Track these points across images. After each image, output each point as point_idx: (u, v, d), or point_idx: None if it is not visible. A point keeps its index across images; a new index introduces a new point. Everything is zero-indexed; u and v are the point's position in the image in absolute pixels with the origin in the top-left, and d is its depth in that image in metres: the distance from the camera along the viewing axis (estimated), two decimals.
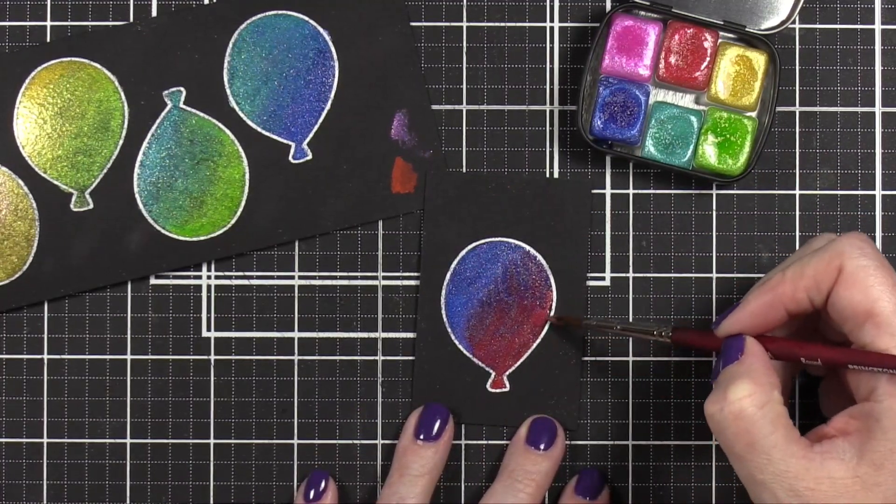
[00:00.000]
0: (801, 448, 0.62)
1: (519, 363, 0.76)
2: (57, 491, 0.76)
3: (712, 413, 0.64)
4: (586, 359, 0.76)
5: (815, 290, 0.64)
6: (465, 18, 0.76)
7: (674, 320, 0.75)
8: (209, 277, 0.76)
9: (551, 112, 0.76)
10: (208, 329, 0.76)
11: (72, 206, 0.76)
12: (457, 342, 0.75)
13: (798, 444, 0.62)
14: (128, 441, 0.76)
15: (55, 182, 0.76)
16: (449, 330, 0.75)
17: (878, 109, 0.76)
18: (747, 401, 0.63)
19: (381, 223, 0.76)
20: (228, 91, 0.76)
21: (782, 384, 0.66)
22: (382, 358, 0.76)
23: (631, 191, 0.76)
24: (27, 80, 0.76)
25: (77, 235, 0.75)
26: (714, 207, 0.76)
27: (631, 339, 0.75)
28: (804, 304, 0.65)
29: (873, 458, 0.61)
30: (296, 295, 0.76)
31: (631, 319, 0.75)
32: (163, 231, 0.76)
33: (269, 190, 0.76)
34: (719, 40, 0.74)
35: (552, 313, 0.75)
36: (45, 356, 0.76)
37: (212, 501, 0.76)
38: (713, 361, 0.70)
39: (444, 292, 0.76)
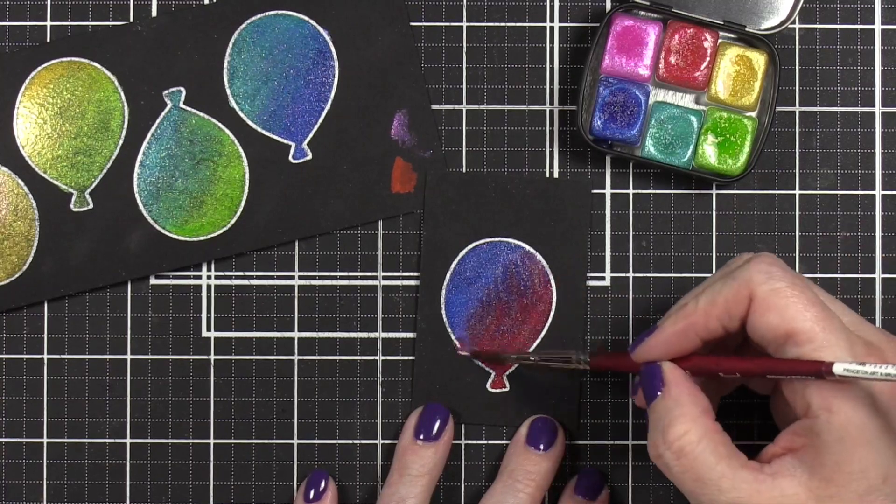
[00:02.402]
0: (750, 472, 0.63)
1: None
2: (57, 491, 0.76)
3: (654, 458, 0.64)
4: None
5: (727, 318, 0.65)
6: (465, 18, 0.76)
7: (590, 343, 0.75)
8: (209, 277, 0.76)
9: (551, 112, 0.76)
10: (208, 329, 0.76)
11: (72, 206, 0.76)
12: (457, 342, 0.75)
13: (746, 468, 0.63)
14: (128, 441, 0.76)
15: (55, 182, 0.76)
16: (449, 330, 0.75)
17: (878, 109, 0.76)
18: (685, 439, 0.63)
19: (381, 223, 0.76)
20: (228, 91, 0.76)
21: (711, 400, 0.66)
22: (382, 358, 0.76)
23: (631, 191, 0.76)
24: (27, 80, 0.76)
25: (77, 235, 0.75)
26: (714, 207, 0.76)
27: (553, 370, 0.75)
28: (717, 332, 0.65)
29: (822, 473, 0.61)
30: (296, 295, 0.76)
31: (544, 352, 0.75)
32: (163, 231, 0.76)
33: (269, 190, 0.76)
34: (719, 40, 0.74)
35: (465, 350, 0.75)
36: (45, 356, 0.76)
37: (212, 501, 0.76)
38: (633, 382, 0.72)
39: (444, 292, 0.76)
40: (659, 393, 0.65)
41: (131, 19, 0.76)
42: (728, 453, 0.63)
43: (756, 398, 0.74)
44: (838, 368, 0.60)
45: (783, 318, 0.63)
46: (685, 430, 0.63)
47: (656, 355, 0.67)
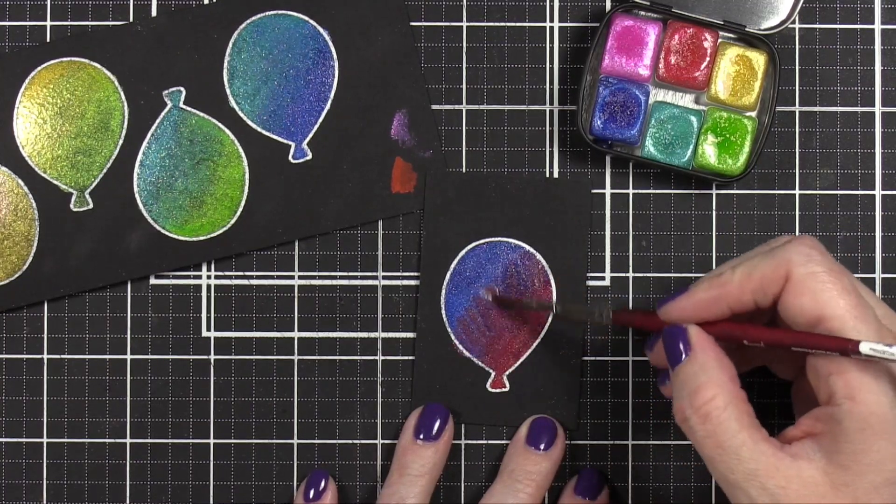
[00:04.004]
0: (770, 447, 0.63)
1: (519, 363, 0.76)
2: (57, 491, 0.76)
3: (680, 421, 0.64)
4: (586, 359, 0.76)
5: (761, 294, 0.65)
6: (465, 18, 0.76)
7: (612, 300, 0.75)
8: (209, 277, 0.76)
9: (551, 112, 0.76)
10: (208, 329, 0.76)
11: (72, 206, 0.76)
12: (457, 342, 0.75)
13: (767, 443, 0.63)
14: (128, 441, 0.76)
15: (55, 182, 0.76)
16: (449, 330, 0.75)
17: (878, 109, 0.76)
18: (712, 404, 0.63)
19: (381, 223, 0.76)
20: (228, 91, 0.76)
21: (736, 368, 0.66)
22: (382, 358, 0.76)
23: (631, 191, 0.76)
24: (27, 80, 0.76)
25: (77, 235, 0.75)
26: (714, 207, 0.76)
27: (574, 321, 0.75)
28: (749, 305, 0.65)
29: (840, 460, 0.62)
30: (296, 295, 0.76)
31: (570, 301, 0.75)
32: (163, 231, 0.76)
33: (269, 190, 0.76)
34: (719, 40, 0.74)
35: (489, 294, 0.75)
36: (45, 356, 0.76)
37: (212, 501, 0.76)
38: (649, 337, 0.71)
39: (444, 292, 0.76)
40: (684, 357, 0.65)
41: (131, 19, 0.76)
42: (751, 424, 0.63)
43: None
44: (864, 348, 0.61)
45: (816, 302, 0.63)
46: (713, 394, 0.63)
47: (683, 318, 0.66)
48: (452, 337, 0.76)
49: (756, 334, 0.65)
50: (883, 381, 0.62)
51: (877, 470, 0.61)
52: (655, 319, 0.68)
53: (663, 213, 0.76)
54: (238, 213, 0.76)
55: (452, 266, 0.76)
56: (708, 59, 0.74)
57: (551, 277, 0.75)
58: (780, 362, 0.71)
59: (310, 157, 0.76)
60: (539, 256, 0.75)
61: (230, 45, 0.76)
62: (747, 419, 0.63)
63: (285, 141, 0.76)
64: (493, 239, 0.76)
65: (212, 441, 0.76)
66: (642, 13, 0.75)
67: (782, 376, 0.72)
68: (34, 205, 0.76)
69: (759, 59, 0.74)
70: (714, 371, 0.64)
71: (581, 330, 0.75)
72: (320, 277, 0.76)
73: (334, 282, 0.76)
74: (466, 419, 0.76)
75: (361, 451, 0.76)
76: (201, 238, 0.76)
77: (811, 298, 0.63)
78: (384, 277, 0.76)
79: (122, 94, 0.76)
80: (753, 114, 0.74)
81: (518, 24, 0.76)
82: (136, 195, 0.76)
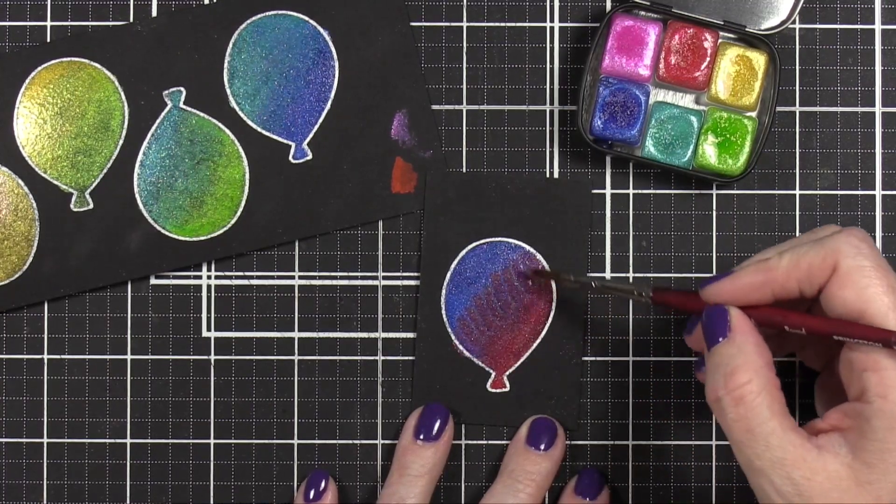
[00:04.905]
0: (799, 437, 0.63)
1: (519, 363, 0.76)
2: (57, 491, 0.76)
3: (712, 401, 0.64)
4: (586, 359, 0.76)
5: (807, 283, 0.64)
6: (465, 18, 0.76)
7: (654, 280, 0.75)
8: (209, 277, 0.76)
9: (551, 112, 0.76)
10: (208, 329, 0.76)
11: (72, 206, 0.76)
12: (457, 342, 0.75)
13: (796, 432, 0.63)
14: (128, 441, 0.76)
15: (55, 182, 0.76)
16: (449, 330, 0.75)
17: (878, 109, 0.76)
18: (746, 388, 0.63)
19: (381, 223, 0.76)
20: (228, 91, 0.76)
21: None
22: (382, 358, 0.76)
23: (631, 191, 0.76)
24: (27, 80, 0.76)
25: (77, 235, 0.75)
26: (714, 207, 0.76)
27: (613, 299, 0.74)
28: (793, 293, 0.65)
29: (865, 457, 0.62)
30: (296, 295, 0.76)
31: (609, 278, 0.75)
32: (163, 231, 0.76)
33: (269, 190, 0.76)
34: (719, 40, 0.74)
35: (529, 271, 0.75)
36: (45, 356, 0.76)
37: (212, 501, 0.76)
38: (688, 320, 0.70)
39: (444, 292, 0.76)
40: (722, 338, 0.65)
41: (131, 19, 0.76)
42: (782, 412, 0.63)
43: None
44: None
45: (860, 296, 0.63)
46: (748, 378, 0.63)
47: (726, 300, 0.66)
48: (452, 337, 0.76)
49: (798, 321, 0.65)
50: None
51: None
52: (697, 300, 0.67)
53: (663, 214, 0.76)
54: (238, 213, 0.76)
55: (452, 266, 0.76)
56: (708, 59, 0.74)
57: None
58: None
59: (310, 157, 0.76)
60: (539, 256, 0.75)
61: (230, 45, 0.76)
62: (779, 407, 0.63)
63: (285, 141, 0.76)
64: (493, 239, 0.76)
65: (212, 441, 0.76)
66: (642, 13, 0.75)
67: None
68: (34, 205, 0.76)
69: (759, 60, 0.74)
70: (752, 355, 0.64)
71: (581, 331, 0.75)
72: (320, 277, 0.76)
73: (334, 282, 0.76)
74: (466, 419, 0.76)
75: (361, 451, 0.76)
76: (201, 238, 0.76)
77: (856, 292, 0.63)
78: (384, 277, 0.76)
79: (122, 94, 0.76)
80: (753, 114, 0.74)
81: (518, 24, 0.76)
82: (137, 195, 0.76)
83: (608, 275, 0.76)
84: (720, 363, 0.64)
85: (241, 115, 0.76)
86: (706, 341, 0.66)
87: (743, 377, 0.63)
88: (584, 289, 0.74)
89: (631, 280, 0.75)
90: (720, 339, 0.65)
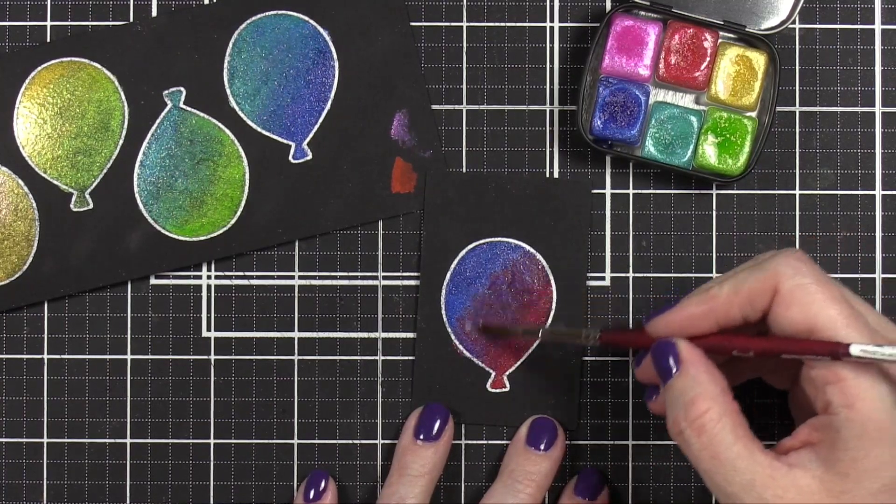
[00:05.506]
0: (766, 458, 0.63)
1: (519, 363, 0.76)
2: (57, 491, 0.76)
3: (675, 434, 0.64)
4: (586, 359, 0.76)
5: (749, 308, 0.65)
6: (465, 18, 0.76)
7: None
8: (209, 277, 0.76)
9: (551, 112, 0.76)
10: (208, 329, 0.76)
11: (72, 206, 0.76)
12: (457, 342, 0.75)
13: (763, 453, 0.63)
14: (128, 441, 0.76)
15: (55, 182, 0.76)
16: (449, 330, 0.75)
17: (878, 109, 0.76)
18: (706, 417, 0.63)
19: (381, 223, 0.76)
20: (228, 91, 0.76)
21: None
22: (382, 358, 0.76)
23: (631, 191, 0.76)
24: (27, 80, 0.76)
25: (77, 235, 0.75)
26: (714, 207, 0.76)
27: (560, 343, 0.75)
28: (736, 320, 0.65)
29: (838, 468, 0.62)
30: (296, 295, 0.76)
31: (557, 325, 0.75)
32: (163, 231, 0.76)
33: (269, 190, 0.76)
34: (719, 40, 0.74)
35: (479, 323, 0.75)
36: (45, 356, 0.76)
37: (212, 501, 0.76)
38: (635, 357, 0.71)
39: (444, 292, 0.76)
40: (675, 370, 0.65)
41: (131, 19, 0.76)
42: (746, 435, 0.63)
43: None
44: (855, 349, 0.61)
45: (806, 313, 0.63)
46: (707, 406, 0.63)
47: (672, 332, 0.66)
48: (452, 337, 0.76)
49: (744, 344, 0.65)
50: (880, 388, 0.62)
51: (874, 476, 0.61)
52: (643, 336, 0.68)
53: (663, 214, 0.76)
54: (238, 213, 0.76)
55: (452, 266, 0.76)
56: (708, 59, 0.74)
57: (551, 277, 0.75)
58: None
59: (310, 157, 0.76)
60: (539, 256, 0.76)
61: (230, 45, 0.76)
62: (742, 430, 0.63)
63: (285, 141, 0.76)
64: (493, 239, 0.76)
65: (212, 441, 0.76)
66: (642, 13, 0.75)
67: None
68: (34, 205, 0.76)
69: (759, 60, 0.74)
70: (707, 384, 0.64)
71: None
72: (320, 277, 0.76)
73: (334, 282, 0.76)
74: (466, 419, 0.76)
75: (361, 451, 0.76)
76: (201, 238, 0.76)
77: (801, 310, 0.63)
78: (384, 277, 0.76)
79: (122, 94, 0.76)
80: (753, 114, 0.74)
81: (518, 24, 0.76)
82: (137, 195, 0.76)
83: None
84: (677, 396, 0.65)
85: (241, 115, 0.76)
86: (659, 377, 0.66)
87: (702, 406, 0.63)
88: (530, 339, 0.75)
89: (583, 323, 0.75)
90: (673, 373, 0.65)
